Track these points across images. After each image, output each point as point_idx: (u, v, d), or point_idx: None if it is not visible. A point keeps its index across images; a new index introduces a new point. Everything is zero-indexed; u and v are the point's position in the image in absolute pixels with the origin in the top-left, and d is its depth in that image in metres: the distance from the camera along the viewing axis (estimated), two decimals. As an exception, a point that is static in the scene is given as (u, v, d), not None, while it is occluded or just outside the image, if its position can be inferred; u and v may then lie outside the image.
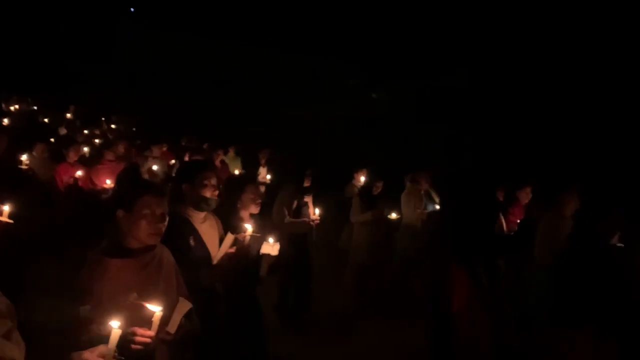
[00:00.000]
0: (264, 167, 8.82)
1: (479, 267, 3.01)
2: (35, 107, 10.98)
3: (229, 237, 3.16)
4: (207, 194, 3.05)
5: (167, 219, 2.22)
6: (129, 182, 2.20)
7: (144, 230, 2.12)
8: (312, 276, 5.71)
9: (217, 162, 7.52)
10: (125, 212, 2.13)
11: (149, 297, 2.02)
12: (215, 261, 3.13)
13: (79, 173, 5.57)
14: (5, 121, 8.00)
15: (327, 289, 6.25)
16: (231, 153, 9.40)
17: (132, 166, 5.54)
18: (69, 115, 10.74)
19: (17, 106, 9.79)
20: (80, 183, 5.70)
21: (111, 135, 10.00)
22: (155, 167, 5.98)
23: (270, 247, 3.33)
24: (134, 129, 12.74)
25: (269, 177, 7.96)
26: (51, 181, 5.73)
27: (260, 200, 3.64)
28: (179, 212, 2.95)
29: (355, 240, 6.23)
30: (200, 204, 3.02)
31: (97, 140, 8.64)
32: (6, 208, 3.23)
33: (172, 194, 3.46)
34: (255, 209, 3.52)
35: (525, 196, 6.14)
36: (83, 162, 6.27)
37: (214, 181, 3.27)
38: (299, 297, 5.58)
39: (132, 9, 21.45)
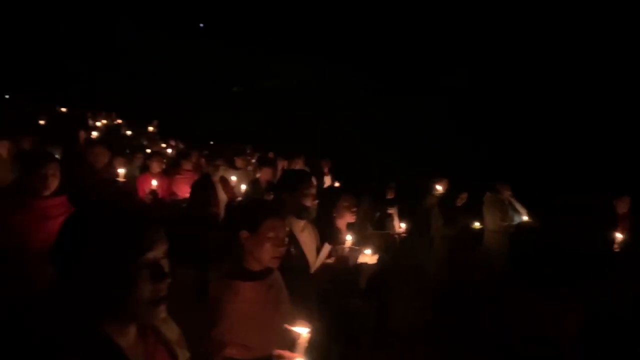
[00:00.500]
0: (327, 175, 8.65)
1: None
2: (120, 121, 11.50)
3: (326, 247, 3.14)
4: (308, 202, 3.10)
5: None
6: (253, 203, 2.17)
7: (268, 253, 2.06)
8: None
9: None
10: (250, 233, 2.07)
11: (278, 319, 2.02)
12: (312, 270, 3.10)
13: (154, 183, 5.65)
14: (94, 134, 8.37)
15: (405, 306, 6.03)
16: (300, 163, 9.40)
17: (205, 176, 5.60)
18: (151, 128, 11.13)
19: (104, 121, 10.24)
20: (159, 194, 5.82)
21: (182, 145, 10.26)
22: (234, 178, 6.03)
23: (369, 257, 3.29)
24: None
25: (336, 185, 7.84)
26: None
27: (355, 209, 3.55)
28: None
29: (435, 255, 5.98)
30: (301, 212, 3.05)
31: (169, 150, 8.87)
32: None
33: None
34: (351, 218, 3.45)
35: (624, 206, 5.72)
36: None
37: (313, 190, 3.26)
38: (379, 311, 5.42)
39: (201, 25, 22.08)
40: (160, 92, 18.21)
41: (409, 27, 17.80)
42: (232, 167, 6.72)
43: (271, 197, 4.32)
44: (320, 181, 8.15)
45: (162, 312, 1.13)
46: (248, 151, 9.84)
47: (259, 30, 20.22)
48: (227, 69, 19.91)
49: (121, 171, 5.24)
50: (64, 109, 11.61)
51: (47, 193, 2.92)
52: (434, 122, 15.35)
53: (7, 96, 12.52)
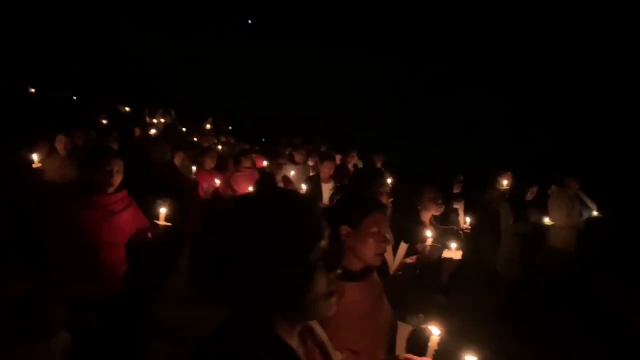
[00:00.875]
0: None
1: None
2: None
3: (403, 247, 3.04)
4: (383, 200, 2.99)
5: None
6: (355, 197, 2.08)
7: (371, 250, 1.92)
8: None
9: (351, 167, 7.37)
10: (352, 229, 1.94)
11: (383, 320, 1.96)
12: (392, 271, 3.00)
13: (217, 181, 5.69)
14: (153, 131, 8.53)
15: (471, 304, 5.83)
16: (354, 157, 9.31)
17: (267, 174, 5.61)
18: (208, 126, 11.19)
19: (162, 119, 10.39)
20: (220, 190, 5.85)
21: (232, 141, 10.30)
22: (292, 173, 5.98)
23: (453, 252, 3.18)
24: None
25: (389, 180, 7.61)
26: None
27: (440, 201, 3.42)
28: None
29: (504, 252, 5.72)
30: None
31: (219, 147, 8.90)
32: (163, 210, 3.29)
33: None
34: (437, 210, 3.32)
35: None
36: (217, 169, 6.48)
37: (387, 188, 3.16)
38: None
39: (249, 21, 22.19)
40: (209, 88, 18.47)
41: (468, 21, 17.37)
42: (292, 162, 6.71)
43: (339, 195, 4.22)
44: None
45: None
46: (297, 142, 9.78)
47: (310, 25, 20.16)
48: (274, 64, 19.96)
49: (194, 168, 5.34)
50: (127, 108, 11.75)
51: (112, 189, 2.98)
52: (493, 114, 14.94)
53: (74, 97, 12.81)
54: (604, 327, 4.96)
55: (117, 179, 2.96)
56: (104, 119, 8.51)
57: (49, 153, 5.33)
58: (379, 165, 8.04)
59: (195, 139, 8.97)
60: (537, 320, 5.30)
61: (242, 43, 20.49)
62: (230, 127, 12.98)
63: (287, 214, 0.97)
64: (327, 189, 5.47)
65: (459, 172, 5.32)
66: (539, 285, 5.82)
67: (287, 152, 7.72)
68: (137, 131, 8.33)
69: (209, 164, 5.87)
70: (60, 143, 5.32)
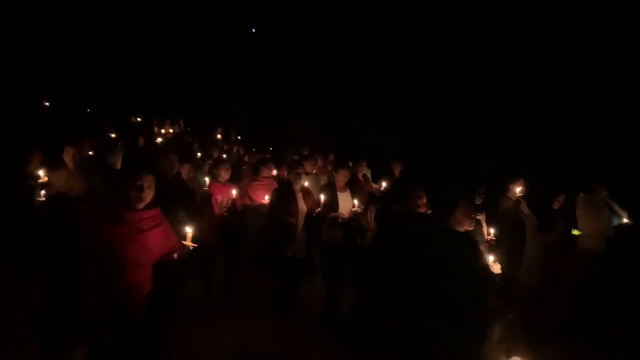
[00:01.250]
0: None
1: None
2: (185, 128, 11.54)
3: None
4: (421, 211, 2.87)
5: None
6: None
7: None
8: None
9: (360, 176, 7.20)
10: None
11: None
12: None
13: (235, 192, 5.49)
14: (159, 140, 8.38)
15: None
16: (363, 164, 9.11)
17: (286, 184, 5.40)
18: (219, 136, 11.02)
19: (170, 130, 10.23)
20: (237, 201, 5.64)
21: (242, 151, 10.11)
22: (306, 183, 5.82)
23: (492, 266, 3.39)
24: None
25: (382, 184, 7.32)
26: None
27: (475, 216, 3.24)
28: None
29: (528, 261, 5.48)
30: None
31: (224, 156, 8.71)
32: (189, 230, 3.17)
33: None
34: (470, 226, 3.14)
35: None
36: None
37: (425, 199, 3.02)
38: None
39: (253, 30, 22.10)
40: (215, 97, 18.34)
41: (485, 24, 17.20)
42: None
43: (376, 207, 4.08)
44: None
45: None
46: (306, 153, 9.63)
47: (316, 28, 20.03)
48: (278, 70, 19.83)
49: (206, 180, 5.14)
50: (139, 119, 11.58)
51: (142, 205, 2.84)
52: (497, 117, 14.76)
53: (88, 110, 12.69)
54: (632, 339, 4.78)
55: (148, 195, 2.86)
56: (112, 131, 8.34)
57: (56, 165, 5.16)
58: (397, 172, 7.88)
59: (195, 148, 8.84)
60: (562, 329, 5.12)
61: (244, 44, 20.30)
62: (239, 137, 12.79)
63: None
64: (343, 198, 5.34)
65: (480, 182, 5.14)
66: (563, 295, 5.63)
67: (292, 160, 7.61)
68: (141, 141, 8.17)
69: (224, 175, 5.66)
70: (68, 155, 5.09)
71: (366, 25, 19.27)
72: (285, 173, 6.29)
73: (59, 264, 4.54)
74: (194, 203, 5.00)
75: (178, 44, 19.34)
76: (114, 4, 19.04)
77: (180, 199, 4.82)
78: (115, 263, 2.67)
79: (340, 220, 5.11)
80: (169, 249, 2.97)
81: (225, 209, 5.31)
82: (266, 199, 5.42)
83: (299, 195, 5.23)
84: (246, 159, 9.12)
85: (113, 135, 8.02)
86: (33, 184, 5.70)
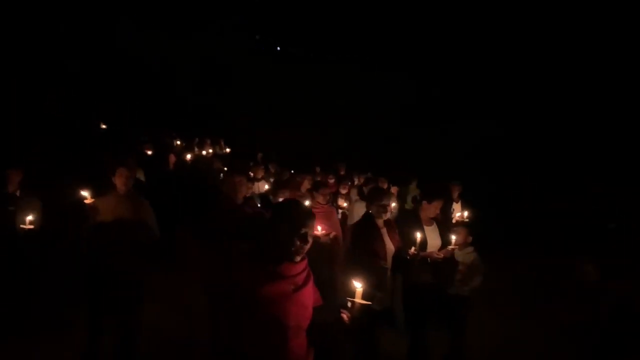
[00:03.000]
0: (457, 202, 7.60)
1: None
2: (229, 150, 11.04)
3: None
4: None
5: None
6: None
7: None
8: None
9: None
10: None
11: None
12: None
13: (320, 229, 4.80)
14: (188, 157, 7.86)
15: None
16: (413, 185, 8.59)
17: (368, 217, 4.61)
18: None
19: (210, 150, 9.75)
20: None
21: (273, 169, 9.50)
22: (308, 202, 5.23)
23: None
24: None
25: (466, 214, 6.87)
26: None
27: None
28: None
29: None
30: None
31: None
32: (359, 286, 2.50)
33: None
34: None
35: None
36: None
37: None
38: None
39: (278, 48, 21.94)
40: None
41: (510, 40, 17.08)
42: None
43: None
44: (448, 209, 7.26)
45: None
46: (342, 173, 9.11)
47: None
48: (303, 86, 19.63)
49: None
50: (178, 142, 10.97)
51: (300, 258, 2.32)
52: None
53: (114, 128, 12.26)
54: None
55: (309, 245, 2.32)
56: (149, 147, 7.78)
57: (104, 188, 4.52)
58: (455, 196, 7.38)
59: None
60: None
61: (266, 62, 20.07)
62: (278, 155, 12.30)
63: None
64: (429, 234, 4.60)
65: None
66: None
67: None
68: (173, 158, 7.62)
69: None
70: (120, 177, 4.40)
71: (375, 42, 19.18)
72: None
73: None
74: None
75: (197, 57, 19.02)
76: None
77: (253, 232, 4.21)
78: (277, 327, 2.19)
79: (430, 260, 4.44)
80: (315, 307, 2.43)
81: None
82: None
83: (384, 232, 4.34)
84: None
85: (149, 152, 7.47)
86: (12, 209, 5.16)
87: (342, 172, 9.29)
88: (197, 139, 10.44)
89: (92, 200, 4.18)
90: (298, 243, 2.22)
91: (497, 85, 16.54)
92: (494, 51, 17.27)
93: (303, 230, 2.22)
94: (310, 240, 2.27)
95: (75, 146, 8.55)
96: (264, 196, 6.70)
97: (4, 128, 10.41)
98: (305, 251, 2.28)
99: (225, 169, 8.07)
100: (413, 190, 8.41)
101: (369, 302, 2.34)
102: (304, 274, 2.34)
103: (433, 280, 4.44)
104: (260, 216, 4.44)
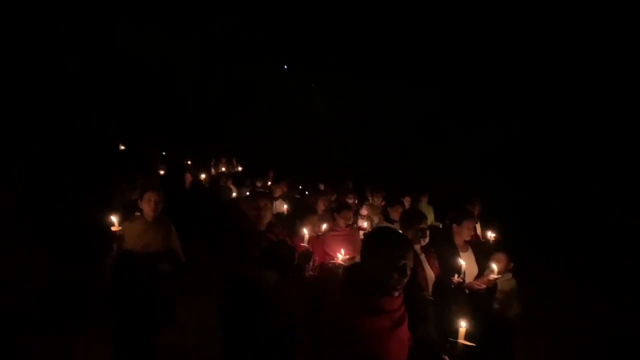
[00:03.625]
0: (477, 222, 7.36)
1: None
2: (240, 168, 10.85)
3: None
4: None
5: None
6: None
7: None
8: None
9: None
10: None
11: None
12: None
13: (342, 254, 4.54)
14: (203, 176, 7.69)
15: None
16: (423, 202, 8.38)
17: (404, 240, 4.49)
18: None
19: (223, 169, 9.53)
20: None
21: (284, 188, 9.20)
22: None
23: None
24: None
25: (491, 234, 6.53)
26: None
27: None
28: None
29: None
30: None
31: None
32: (463, 325, 2.53)
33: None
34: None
35: None
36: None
37: None
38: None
39: (285, 67, 21.86)
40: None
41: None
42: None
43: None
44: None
45: None
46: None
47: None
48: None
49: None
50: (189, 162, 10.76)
51: (398, 293, 2.17)
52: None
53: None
54: None
55: (408, 278, 2.17)
56: (162, 168, 7.58)
57: (131, 214, 4.33)
58: (476, 214, 7.16)
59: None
60: None
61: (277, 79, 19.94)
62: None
63: None
64: (465, 260, 4.42)
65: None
66: None
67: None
68: (189, 177, 7.44)
69: (317, 228, 4.77)
70: (149, 202, 4.23)
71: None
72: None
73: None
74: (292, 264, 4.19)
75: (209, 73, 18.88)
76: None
77: (276, 259, 4.04)
78: None
79: (468, 291, 4.23)
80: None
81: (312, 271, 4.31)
82: (342, 254, 4.50)
83: (423, 259, 4.02)
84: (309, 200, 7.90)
85: (162, 172, 7.28)
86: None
87: (349, 188, 8.94)
88: (213, 160, 10.24)
89: (120, 228, 3.99)
90: (396, 277, 2.07)
91: (502, 90, 16.48)
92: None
93: (401, 263, 2.08)
94: (409, 272, 2.13)
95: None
96: (281, 216, 6.43)
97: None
98: (403, 285, 2.13)
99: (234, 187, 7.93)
100: (425, 208, 8.14)
101: (473, 344, 2.20)
102: (402, 310, 2.19)
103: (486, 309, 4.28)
104: (284, 243, 4.27)
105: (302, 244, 4.48)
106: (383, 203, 7.48)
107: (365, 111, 18.51)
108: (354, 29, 19.69)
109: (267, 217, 4.20)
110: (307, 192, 9.29)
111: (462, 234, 4.42)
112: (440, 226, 6.88)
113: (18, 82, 11.74)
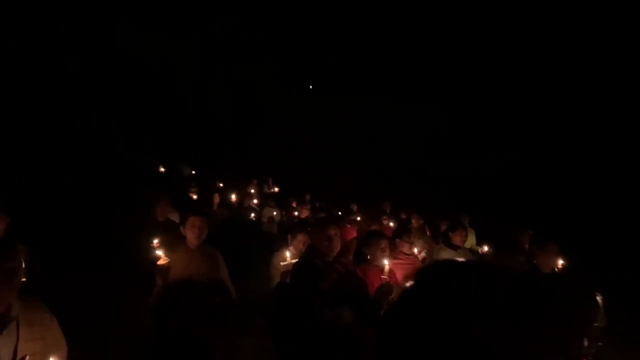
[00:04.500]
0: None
1: None
2: (277, 189, 10.49)
3: None
4: None
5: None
6: None
7: None
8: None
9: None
10: None
11: None
12: None
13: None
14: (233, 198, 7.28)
15: None
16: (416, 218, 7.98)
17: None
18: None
19: (252, 190, 9.05)
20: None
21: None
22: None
23: None
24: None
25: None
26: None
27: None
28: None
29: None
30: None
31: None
32: None
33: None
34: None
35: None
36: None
37: None
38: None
39: (310, 87, 21.57)
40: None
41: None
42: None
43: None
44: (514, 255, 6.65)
45: None
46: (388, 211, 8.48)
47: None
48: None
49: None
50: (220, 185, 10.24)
51: None
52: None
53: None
54: None
55: None
56: (195, 193, 7.12)
57: (175, 242, 3.83)
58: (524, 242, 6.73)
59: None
60: None
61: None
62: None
63: None
64: None
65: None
66: None
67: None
68: (217, 198, 6.97)
69: (379, 258, 4.24)
70: (193, 229, 3.74)
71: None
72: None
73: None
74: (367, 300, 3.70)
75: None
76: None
77: (350, 295, 3.57)
78: None
79: None
80: None
81: None
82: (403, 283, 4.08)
83: None
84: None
85: (195, 197, 6.83)
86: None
87: (387, 210, 8.40)
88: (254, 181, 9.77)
89: (168, 260, 3.51)
90: (586, 343, 1.67)
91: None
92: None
93: (595, 325, 1.72)
94: None
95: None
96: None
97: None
98: None
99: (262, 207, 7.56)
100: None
101: None
102: None
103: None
104: (355, 276, 3.79)
105: (382, 277, 3.93)
106: (422, 223, 7.04)
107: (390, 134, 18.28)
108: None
109: (338, 247, 3.71)
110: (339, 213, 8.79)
111: (547, 261, 4.01)
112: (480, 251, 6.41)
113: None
